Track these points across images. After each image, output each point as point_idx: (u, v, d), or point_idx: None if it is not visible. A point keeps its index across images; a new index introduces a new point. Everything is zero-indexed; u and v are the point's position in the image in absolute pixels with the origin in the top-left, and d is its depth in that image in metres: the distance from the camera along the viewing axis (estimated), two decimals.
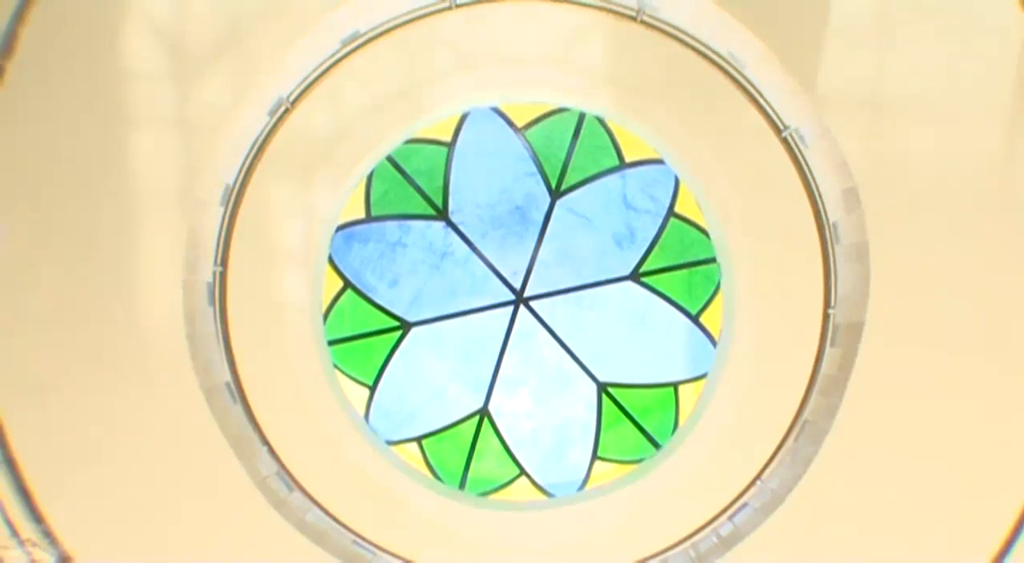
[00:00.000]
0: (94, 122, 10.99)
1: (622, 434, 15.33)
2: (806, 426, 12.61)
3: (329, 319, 15.27)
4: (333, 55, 12.56)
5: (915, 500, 11.54)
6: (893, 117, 11.18)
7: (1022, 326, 10.81)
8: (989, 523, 10.00)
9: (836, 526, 11.96)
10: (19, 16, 9.28)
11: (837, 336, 12.46)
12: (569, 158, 15.63)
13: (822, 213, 12.38)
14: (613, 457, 15.82)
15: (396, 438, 15.80)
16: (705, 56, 12.39)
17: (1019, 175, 9.41)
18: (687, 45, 12.41)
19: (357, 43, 12.56)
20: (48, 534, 9.94)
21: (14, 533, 9.59)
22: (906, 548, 11.56)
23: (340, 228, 14.98)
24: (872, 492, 11.76)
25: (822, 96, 11.45)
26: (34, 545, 9.79)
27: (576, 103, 14.12)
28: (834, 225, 12.29)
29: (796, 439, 12.75)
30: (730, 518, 13.02)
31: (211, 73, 11.57)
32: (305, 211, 13.33)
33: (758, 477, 12.98)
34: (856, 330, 11.81)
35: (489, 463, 15.92)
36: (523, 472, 16.01)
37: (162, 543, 11.85)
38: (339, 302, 15.55)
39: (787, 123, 12.24)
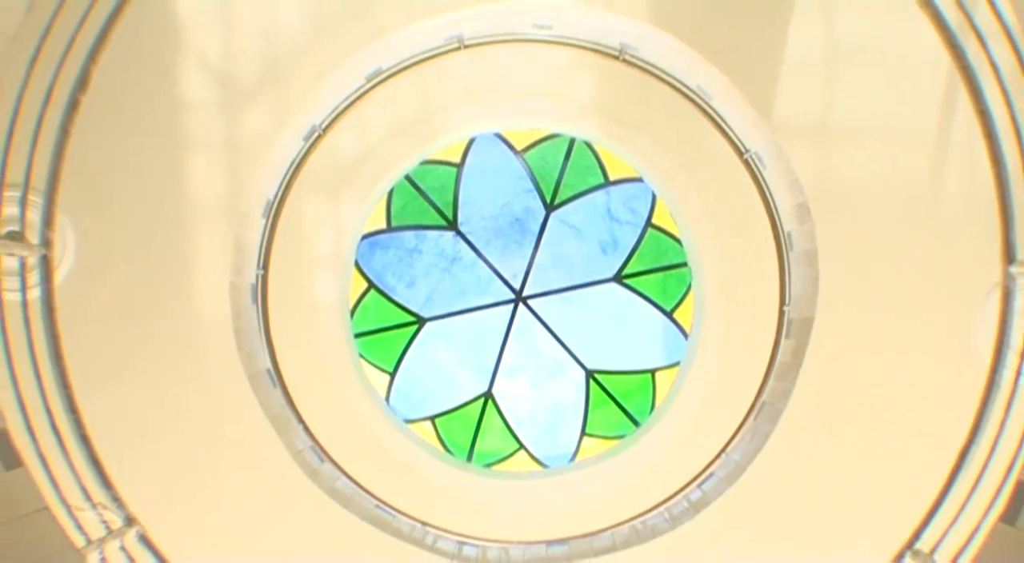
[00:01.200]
0: (156, 146, 11.08)
1: (607, 414, 15.43)
2: (764, 407, 12.70)
3: (355, 315, 15.33)
4: (359, 89, 12.64)
5: (856, 469, 11.63)
6: (838, 142, 11.25)
7: (946, 320, 10.91)
8: (917, 489, 10.08)
9: (790, 492, 12.03)
10: (92, 56, 9.34)
11: (791, 329, 12.54)
12: (561, 177, 15.69)
13: (778, 224, 12.47)
14: (599, 433, 15.89)
15: (412, 417, 15.88)
16: (677, 89, 12.46)
17: (941, 191, 9.52)
18: (662, 80, 12.48)
19: (379, 79, 12.63)
20: (116, 499, 9.97)
21: (88, 498, 9.63)
22: (847, 509, 11.65)
23: (365, 237, 15.06)
24: (820, 463, 11.86)
25: (777, 124, 11.51)
26: (104, 508, 9.81)
27: (567, 130, 14.16)
28: (788, 234, 12.38)
29: (756, 418, 12.84)
30: (699, 485, 13.09)
31: (255, 104, 11.65)
32: (334, 222, 13.40)
33: (723, 450, 13.07)
34: (807, 324, 11.88)
35: (492, 439, 16.00)
36: (522, 446, 16.09)
37: (213, 506, 11.94)
38: (364, 300, 15.62)
39: (748, 147, 12.33)
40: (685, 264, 14.61)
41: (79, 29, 9.24)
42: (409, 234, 16.02)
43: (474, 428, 15.92)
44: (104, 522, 9.80)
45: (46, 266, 9.42)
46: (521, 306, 15.69)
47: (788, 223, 12.30)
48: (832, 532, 11.78)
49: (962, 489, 9.70)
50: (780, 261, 12.62)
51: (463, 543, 13.13)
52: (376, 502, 13.12)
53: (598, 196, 15.77)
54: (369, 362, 15.53)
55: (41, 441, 9.03)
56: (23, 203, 9.25)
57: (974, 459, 9.67)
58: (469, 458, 15.87)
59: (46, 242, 9.36)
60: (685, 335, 15.39)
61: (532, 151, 15.65)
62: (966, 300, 10.67)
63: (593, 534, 13.17)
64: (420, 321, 16.17)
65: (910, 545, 10.05)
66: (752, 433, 12.77)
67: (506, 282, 15.97)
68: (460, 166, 15.65)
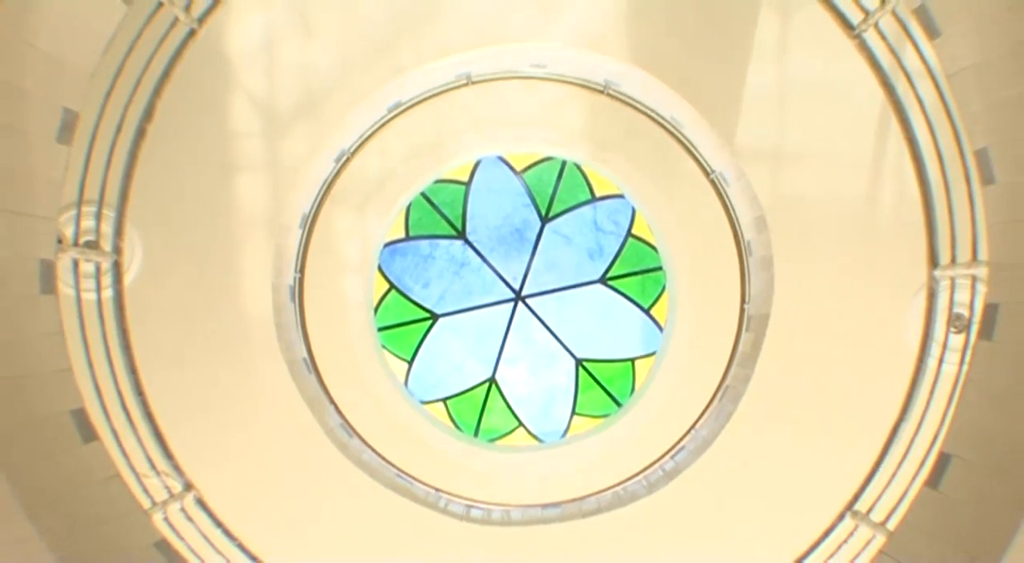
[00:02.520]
0: (209, 168, 11.19)
1: (593, 396, 15.52)
2: (727, 390, 12.81)
3: (378, 312, 15.43)
4: (381, 119, 12.74)
5: (805, 442, 11.74)
6: (789, 165, 11.35)
7: (881, 316, 11.04)
8: (856, 459, 10.17)
9: (749, 461, 12.15)
10: (156, 92, 9.46)
11: (750, 324, 12.65)
12: (555, 193, 15.77)
13: (739, 234, 12.58)
14: (587, 413, 15.98)
15: (427, 399, 15.96)
16: (653, 119, 12.55)
17: (876, 206, 9.66)
18: (640, 111, 12.57)
19: (399, 110, 12.72)
20: (176, 467, 10.07)
21: (152, 466, 9.72)
22: (798, 475, 11.74)
23: (386, 245, 15.13)
24: (775, 437, 11.98)
25: (738, 149, 11.60)
26: (166, 475, 9.90)
27: (559, 153, 14.28)
28: (748, 242, 12.50)
29: (720, 399, 12.95)
30: (672, 457, 13.21)
31: (292, 132, 11.76)
32: (361, 233, 13.51)
33: (692, 427, 13.18)
34: (764, 319, 11.99)
35: (496, 417, 16.08)
36: (521, 424, 16.18)
37: (258, 474, 12.06)
38: (385, 299, 15.69)
39: (713, 168, 12.43)
40: (660, 268, 14.72)
41: (146, 69, 9.36)
42: (424, 242, 16.08)
43: (480, 408, 16.02)
44: (166, 487, 9.90)
45: (117, 270, 9.58)
46: (520, 304, 15.80)
47: (748, 233, 12.42)
48: (785, 495, 11.88)
49: (894, 458, 9.82)
50: (741, 265, 12.73)
51: (470, 507, 13.22)
52: (396, 471, 13.23)
53: (586, 210, 15.87)
54: (390, 352, 15.63)
55: (113, 418, 9.13)
56: (98, 217, 9.40)
57: (904, 433, 9.80)
58: (476, 434, 15.96)
59: (117, 250, 9.51)
60: (660, 328, 15.48)
61: (530, 172, 15.73)
62: (898, 298, 10.82)
63: (581, 499, 13.25)
64: (434, 317, 16.25)
65: (850, 506, 10.17)
66: (717, 412, 12.88)
67: (507, 283, 16.06)
68: (468, 184, 15.73)
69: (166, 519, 9.35)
